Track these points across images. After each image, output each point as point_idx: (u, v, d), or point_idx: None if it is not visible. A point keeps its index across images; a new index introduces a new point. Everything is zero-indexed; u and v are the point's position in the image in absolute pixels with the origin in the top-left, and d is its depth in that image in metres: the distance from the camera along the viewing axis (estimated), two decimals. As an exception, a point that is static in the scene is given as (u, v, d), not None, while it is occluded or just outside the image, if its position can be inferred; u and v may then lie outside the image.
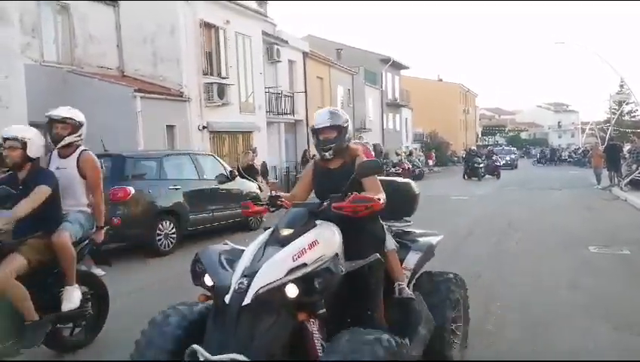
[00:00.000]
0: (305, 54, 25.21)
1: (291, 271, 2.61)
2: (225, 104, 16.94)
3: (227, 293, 2.58)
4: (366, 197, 2.93)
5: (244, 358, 2.41)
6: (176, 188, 9.37)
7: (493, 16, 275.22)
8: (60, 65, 13.67)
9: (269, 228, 3.01)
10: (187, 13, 15.86)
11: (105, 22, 15.27)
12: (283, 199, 3.34)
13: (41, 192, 3.98)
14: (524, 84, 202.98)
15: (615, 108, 43.55)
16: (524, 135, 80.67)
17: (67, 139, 4.53)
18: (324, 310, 2.60)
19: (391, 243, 3.47)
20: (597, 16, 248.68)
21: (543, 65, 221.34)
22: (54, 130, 4.53)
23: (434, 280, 3.80)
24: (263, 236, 2.93)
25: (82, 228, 4.36)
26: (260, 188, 11.39)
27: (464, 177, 26.11)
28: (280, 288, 2.54)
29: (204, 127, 16.42)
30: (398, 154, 29.59)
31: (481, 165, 25.72)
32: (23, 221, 3.89)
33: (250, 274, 2.60)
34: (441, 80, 56.98)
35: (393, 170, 24.26)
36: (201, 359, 2.46)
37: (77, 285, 4.20)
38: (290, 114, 22.88)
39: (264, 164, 16.67)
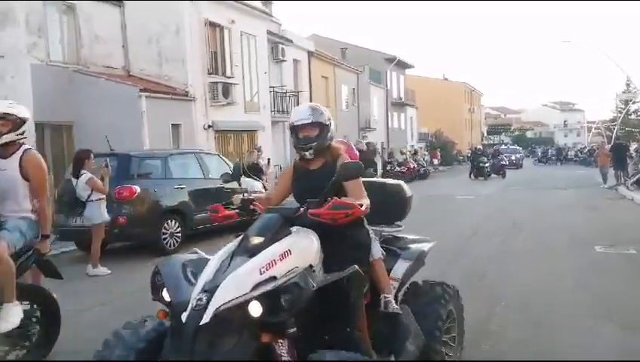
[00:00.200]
0: (310, 53, 25.22)
1: (258, 285, 2.34)
2: (230, 103, 16.97)
3: (185, 310, 2.30)
4: (346, 203, 2.65)
5: None
6: (182, 188, 9.41)
7: (499, 14, 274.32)
8: (66, 65, 13.74)
9: (240, 234, 2.74)
10: (192, 13, 15.89)
11: (110, 22, 15.33)
12: (256, 203, 3.13)
13: None
14: (529, 82, 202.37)
15: (621, 107, 43.35)
16: (529, 134, 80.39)
17: (6, 137, 3.97)
18: (294, 329, 2.32)
19: (377, 251, 3.19)
20: (603, 14, 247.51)
21: (549, 64, 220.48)
22: None
23: (424, 291, 3.54)
24: (232, 244, 2.67)
25: (24, 236, 3.92)
26: (264, 187, 11.42)
27: (470, 176, 26.02)
28: (242, 305, 2.27)
29: (209, 127, 16.46)
30: (402, 153, 29.57)
31: (487, 164, 25.62)
32: None
33: (210, 289, 2.32)
34: (446, 79, 56.86)
35: (398, 169, 24.24)
36: None
37: (17, 302, 3.77)
38: (295, 113, 22.88)
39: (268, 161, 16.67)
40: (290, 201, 3.29)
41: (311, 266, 2.61)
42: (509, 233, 9.98)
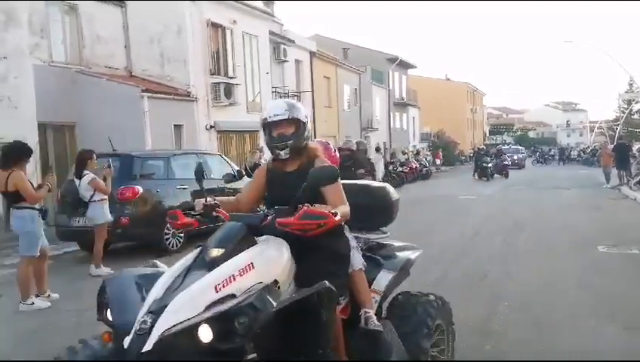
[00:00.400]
0: (312, 54, 25.22)
1: (212, 305, 2.06)
2: (232, 104, 16.99)
3: (129, 334, 2.05)
4: (318, 212, 2.33)
5: None
6: (184, 188, 9.42)
7: (501, 14, 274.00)
8: (69, 65, 13.77)
9: (201, 245, 2.46)
10: (194, 13, 15.91)
11: (112, 22, 15.36)
12: (220, 209, 2.78)
13: None
14: (532, 82, 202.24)
15: (624, 107, 43.27)
16: (532, 134, 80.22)
17: None
18: (255, 355, 2.04)
19: (358, 261, 2.93)
20: (605, 14, 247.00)
21: (552, 64, 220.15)
22: None
23: (409, 304, 3.22)
24: (189, 257, 2.40)
25: None
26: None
27: (474, 176, 25.87)
28: (191, 329, 1.98)
29: (211, 127, 16.48)
30: (404, 153, 29.54)
31: (490, 165, 25.54)
32: None
33: (157, 310, 2.05)
34: (448, 79, 56.84)
35: (400, 169, 24.23)
36: None
37: None
38: (297, 113, 22.89)
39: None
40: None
41: (276, 282, 2.32)
42: (511, 233, 9.97)
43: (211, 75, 16.56)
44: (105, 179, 7.59)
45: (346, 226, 2.98)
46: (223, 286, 2.15)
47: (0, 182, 5.84)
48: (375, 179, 8.16)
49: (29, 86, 11.01)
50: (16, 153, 5.94)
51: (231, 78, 17.24)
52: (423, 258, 8.34)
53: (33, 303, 5.90)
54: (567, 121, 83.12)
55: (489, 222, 11.57)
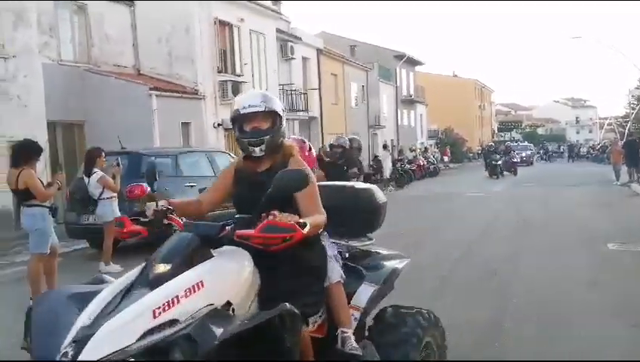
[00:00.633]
0: (319, 51, 25.20)
1: (148, 333, 1.75)
2: (239, 101, 17.01)
3: None
4: (284, 224, 2.00)
5: None
6: (192, 185, 9.45)
7: (509, 11, 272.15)
8: (77, 64, 13.85)
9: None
10: (202, 11, 15.96)
11: (121, 21, 15.44)
12: (174, 215, 2.39)
13: None
14: (541, 79, 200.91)
15: (634, 103, 42.86)
16: (540, 131, 79.76)
17: None
18: None
19: (336, 273, 2.61)
20: (615, 10, 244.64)
21: (560, 60, 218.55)
22: None
23: (394, 322, 2.85)
24: (133, 272, 2.10)
25: None
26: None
27: (486, 173, 25.48)
28: None
29: (219, 125, 16.53)
30: (412, 151, 29.47)
31: (499, 162, 25.35)
32: None
33: (82, 339, 1.72)
34: (456, 76, 56.58)
35: (408, 166, 24.19)
36: None
37: None
38: (304, 111, 22.89)
39: None
40: None
41: (229, 304, 1.98)
42: (520, 230, 9.92)
43: (219, 73, 16.61)
44: (114, 177, 7.64)
45: (324, 233, 2.69)
46: (164, 310, 1.80)
47: (11, 181, 5.89)
48: (363, 180, 7.78)
49: (38, 85, 11.09)
50: (27, 151, 5.99)
51: (238, 75, 17.27)
52: (431, 256, 8.33)
53: (44, 300, 5.94)
54: (577, 118, 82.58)
55: (498, 219, 11.53)
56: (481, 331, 4.50)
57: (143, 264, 2.10)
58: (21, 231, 6.68)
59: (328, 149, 8.27)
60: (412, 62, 40.07)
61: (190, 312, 1.84)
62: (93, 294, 2.00)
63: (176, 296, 1.86)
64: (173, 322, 1.80)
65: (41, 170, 8.82)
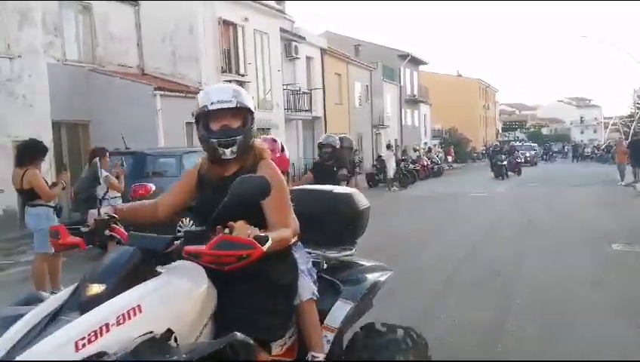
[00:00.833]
0: (323, 51, 25.21)
1: None
2: (243, 101, 17.05)
3: None
4: (240, 239, 1.71)
5: None
6: (196, 185, 9.49)
7: (514, 10, 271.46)
8: (82, 63, 13.91)
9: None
10: (206, 11, 15.99)
11: (125, 21, 15.48)
12: (120, 225, 2.12)
13: None
14: (545, 78, 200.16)
15: (639, 103, 42.67)
16: (545, 131, 79.54)
17: None
18: None
19: (307, 290, 2.36)
20: (620, 9, 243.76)
21: (565, 60, 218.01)
22: None
23: (370, 342, 2.55)
24: (64, 293, 1.82)
25: None
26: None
27: (492, 173, 25.23)
28: None
29: (222, 125, 16.56)
30: (416, 151, 29.42)
31: (505, 163, 25.19)
32: None
33: None
34: (460, 75, 56.46)
35: (412, 166, 24.15)
36: None
37: None
38: (308, 111, 22.92)
39: None
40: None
41: (170, 332, 1.62)
42: (524, 230, 9.90)
43: (222, 72, 16.64)
44: (118, 177, 7.66)
45: (298, 243, 2.46)
46: (89, 341, 1.51)
47: (15, 180, 5.91)
48: (350, 184, 6.91)
49: (43, 84, 11.14)
50: (31, 151, 6.01)
51: (242, 75, 17.31)
52: (435, 256, 8.29)
53: (48, 299, 5.97)
54: (581, 117, 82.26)
55: (502, 219, 11.51)
56: (484, 331, 4.49)
57: (76, 284, 1.79)
58: (25, 230, 6.70)
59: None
60: (416, 62, 40.03)
61: (122, 343, 1.53)
62: (11, 319, 1.72)
63: (106, 324, 1.57)
64: (100, 355, 1.49)
65: (46, 169, 8.86)
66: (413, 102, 39.74)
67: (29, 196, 5.97)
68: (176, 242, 1.93)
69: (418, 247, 8.34)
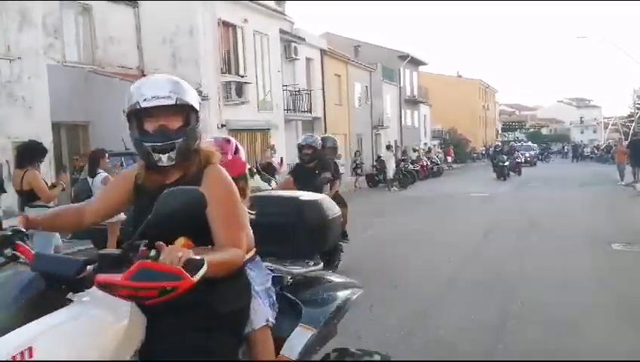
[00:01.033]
0: (322, 52, 25.21)
1: None
2: (243, 102, 17.06)
3: None
4: (162, 267, 1.39)
5: None
6: (196, 186, 9.48)
7: (513, 11, 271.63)
8: (82, 65, 13.91)
9: None
10: (206, 13, 16.00)
11: (125, 23, 15.48)
12: (28, 243, 1.81)
13: None
14: (545, 79, 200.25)
15: (639, 103, 42.70)
16: (545, 131, 79.57)
17: None
18: None
19: (261, 315, 2.04)
20: (620, 9, 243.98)
21: (565, 60, 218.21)
22: None
23: None
24: None
25: None
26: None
27: (494, 173, 25.09)
28: None
29: (222, 126, 16.56)
30: (415, 151, 29.44)
31: (506, 163, 25.10)
32: None
33: None
34: (460, 76, 56.50)
35: (411, 166, 24.16)
36: None
37: None
38: (307, 111, 22.91)
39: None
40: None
41: None
42: (525, 230, 9.89)
43: (222, 73, 16.65)
44: (118, 178, 7.67)
45: (256, 258, 2.19)
46: None
47: (15, 181, 5.92)
48: (335, 187, 6.40)
49: (43, 86, 11.14)
50: (31, 152, 6.02)
51: (242, 76, 17.31)
52: (435, 257, 8.29)
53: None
54: (581, 118, 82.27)
55: (502, 219, 11.51)
56: (485, 332, 4.49)
57: None
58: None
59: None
60: (416, 63, 40.04)
61: None
62: None
63: None
64: None
65: (46, 171, 8.86)
66: (413, 102, 39.75)
67: (28, 197, 5.98)
68: (88, 267, 1.58)
69: (419, 248, 8.33)
